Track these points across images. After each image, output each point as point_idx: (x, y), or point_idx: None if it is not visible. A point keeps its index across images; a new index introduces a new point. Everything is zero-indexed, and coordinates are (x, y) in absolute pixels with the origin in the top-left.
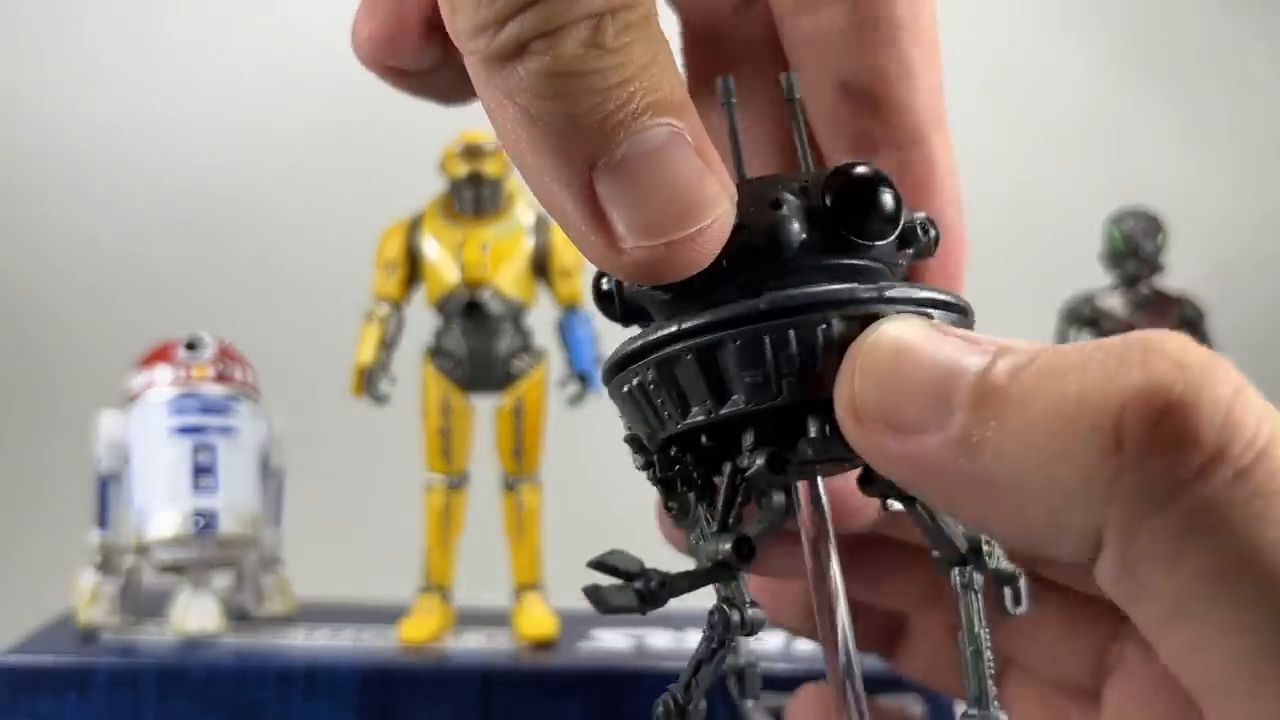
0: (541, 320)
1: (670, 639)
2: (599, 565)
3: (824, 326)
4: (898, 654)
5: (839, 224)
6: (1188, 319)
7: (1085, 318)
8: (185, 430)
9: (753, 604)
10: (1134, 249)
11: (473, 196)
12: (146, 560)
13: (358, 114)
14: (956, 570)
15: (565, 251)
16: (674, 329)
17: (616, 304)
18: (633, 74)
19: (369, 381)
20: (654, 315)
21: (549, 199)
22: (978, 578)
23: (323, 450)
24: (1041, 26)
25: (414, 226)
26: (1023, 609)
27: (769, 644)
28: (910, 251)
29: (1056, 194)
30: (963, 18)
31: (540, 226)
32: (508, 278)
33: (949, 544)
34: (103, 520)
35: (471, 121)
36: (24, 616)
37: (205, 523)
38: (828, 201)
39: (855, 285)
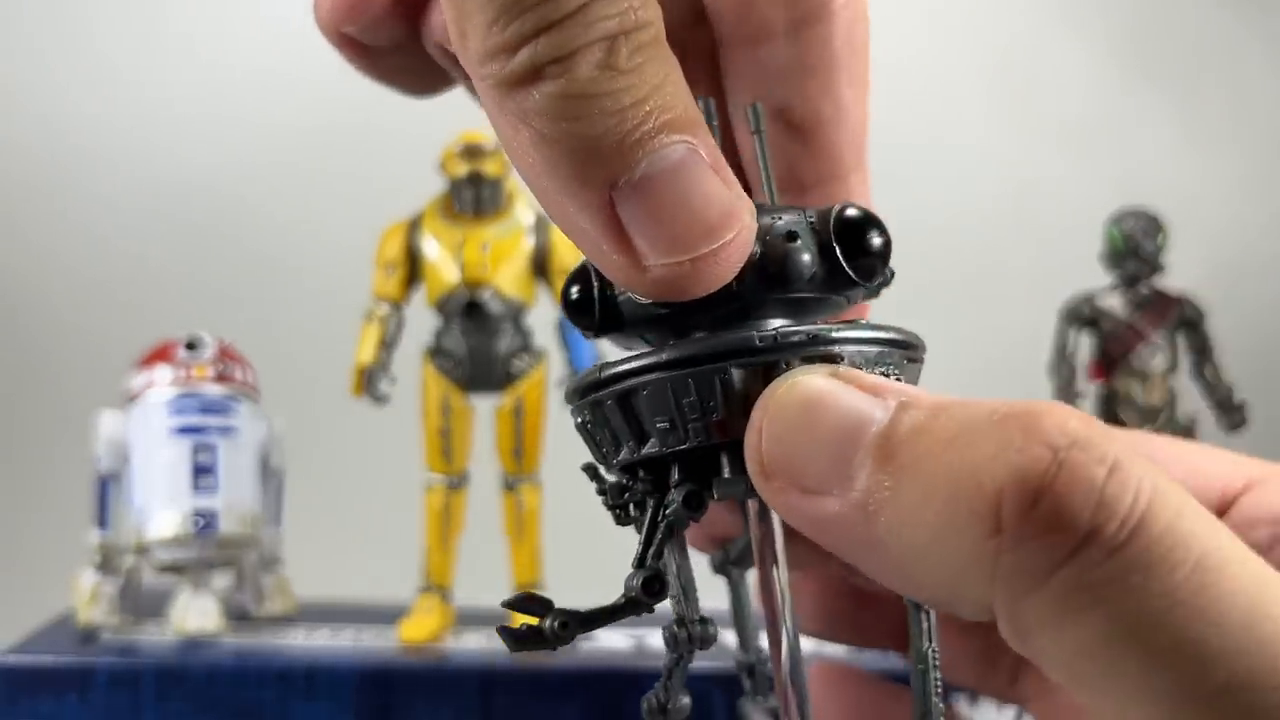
0: (541, 320)
1: None
2: (510, 604)
3: (722, 376)
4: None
5: (845, 260)
6: (1187, 319)
7: (1085, 318)
8: (185, 430)
9: (704, 621)
10: (1134, 249)
11: (473, 196)
12: (146, 560)
13: (358, 114)
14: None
15: (565, 251)
16: (597, 376)
17: (595, 315)
18: (647, 94)
19: (369, 381)
20: (629, 329)
21: (567, 221)
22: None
23: (323, 450)
24: (1042, 26)
25: (414, 226)
26: None
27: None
28: (873, 288)
29: (1057, 194)
30: (963, 17)
31: (540, 226)
32: (508, 277)
33: None
34: (102, 520)
35: (471, 121)
36: (24, 616)
37: (205, 523)
38: (834, 238)
39: (753, 334)
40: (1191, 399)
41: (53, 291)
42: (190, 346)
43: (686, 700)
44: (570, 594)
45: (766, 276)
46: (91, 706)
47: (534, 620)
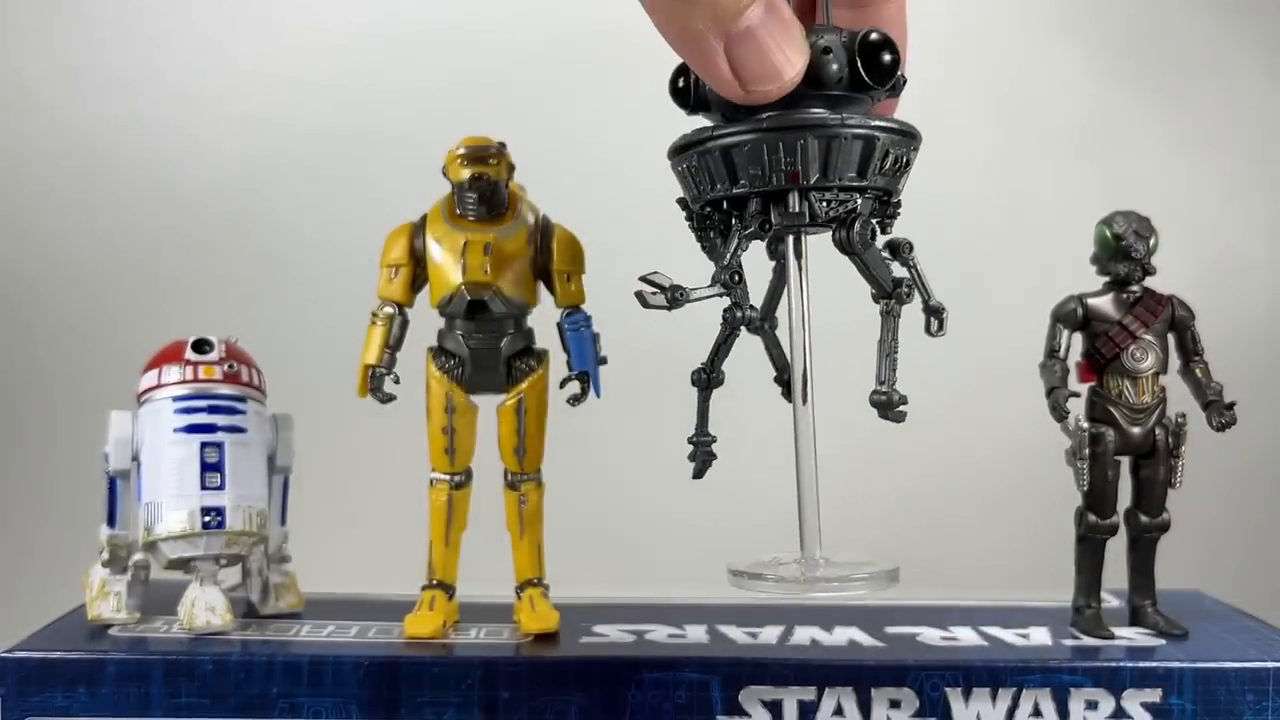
0: (543, 321)
1: (669, 634)
2: (645, 280)
3: (801, 141)
4: None
5: (864, 70)
6: (1177, 320)
7: (1076, 319)
8: (193, 429)
9: (752, 308)
10: (1125, 250)
11: (475, 199)
12: (155, 557)
13: (363, 117)
14: (882, 301)
15: (565, 253)
16: (709, 134)
17: (690, 99)
18: None
19: (374, 382)
20: (715, 110)
21: (700, 59)
22: (897, 307)
23: (328, 449)
24: (1034, 32)
25: (418, 229)
26: (943, 334)
27: (768, 636)
28: (887, 91)
29: (1048, 196)
30: (956, 23)
31: (541, 229)
32: (510, 279)
33: (878, 283)
34: (112, 518)
35: (474, 125)
36: (35, 612)
37: (213, 519)
38: (857, 54)
39: (825, 114)
40: (1182, 399)
41: (62, 293)
42: (198, 347)
43: (724, 373)
44: (571, 592)
45: (808, 79)
46: (101, 700)
47: (655, 288)
